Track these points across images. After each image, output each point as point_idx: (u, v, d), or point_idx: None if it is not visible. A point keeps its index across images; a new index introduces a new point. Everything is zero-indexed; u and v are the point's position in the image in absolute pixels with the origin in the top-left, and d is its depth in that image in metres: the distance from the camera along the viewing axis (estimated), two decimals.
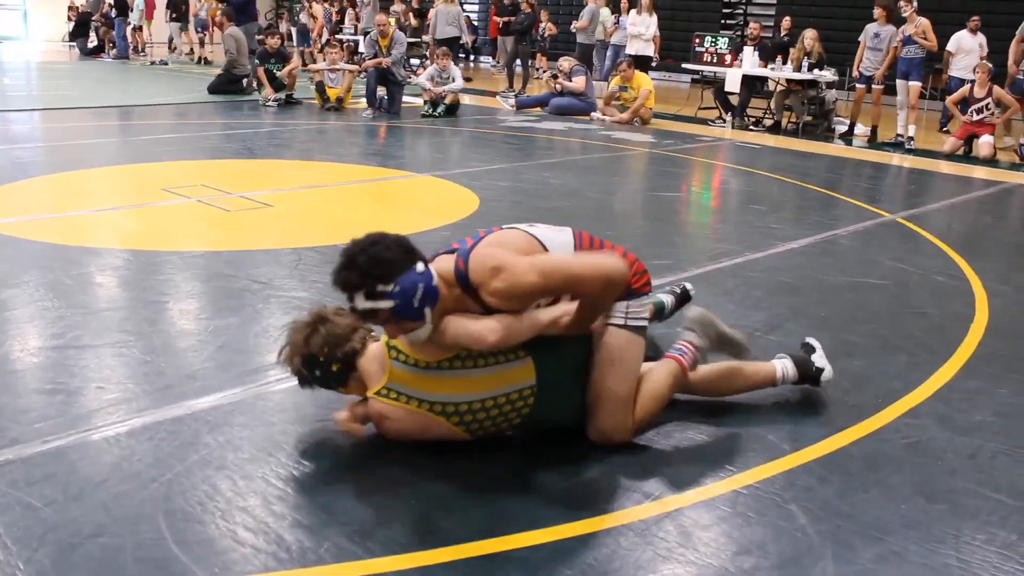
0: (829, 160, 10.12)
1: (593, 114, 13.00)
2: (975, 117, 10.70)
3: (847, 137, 11.91)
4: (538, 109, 13.66)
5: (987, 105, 10.60)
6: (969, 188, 8.77)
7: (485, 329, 2.66)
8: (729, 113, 12.80)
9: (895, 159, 10.44)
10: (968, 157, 10.66)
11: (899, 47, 11.12)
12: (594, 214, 6.81)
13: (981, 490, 2.79)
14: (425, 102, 12.36)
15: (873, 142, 11.52)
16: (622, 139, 11.01)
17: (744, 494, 2.72)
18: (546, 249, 2.84)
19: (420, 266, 2.67)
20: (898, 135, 11.27)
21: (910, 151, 10.89)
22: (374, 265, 2.60)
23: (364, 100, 12.47)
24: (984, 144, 10.51)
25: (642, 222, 6.80)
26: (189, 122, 11.40)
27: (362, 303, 2.62)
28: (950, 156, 10.62)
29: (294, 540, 2.39)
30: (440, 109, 12.20)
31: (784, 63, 12.11)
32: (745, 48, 12.69)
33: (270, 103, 12.50)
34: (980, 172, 9.66)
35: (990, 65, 10.91)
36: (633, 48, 13.84)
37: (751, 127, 12.57)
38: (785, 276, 5.11)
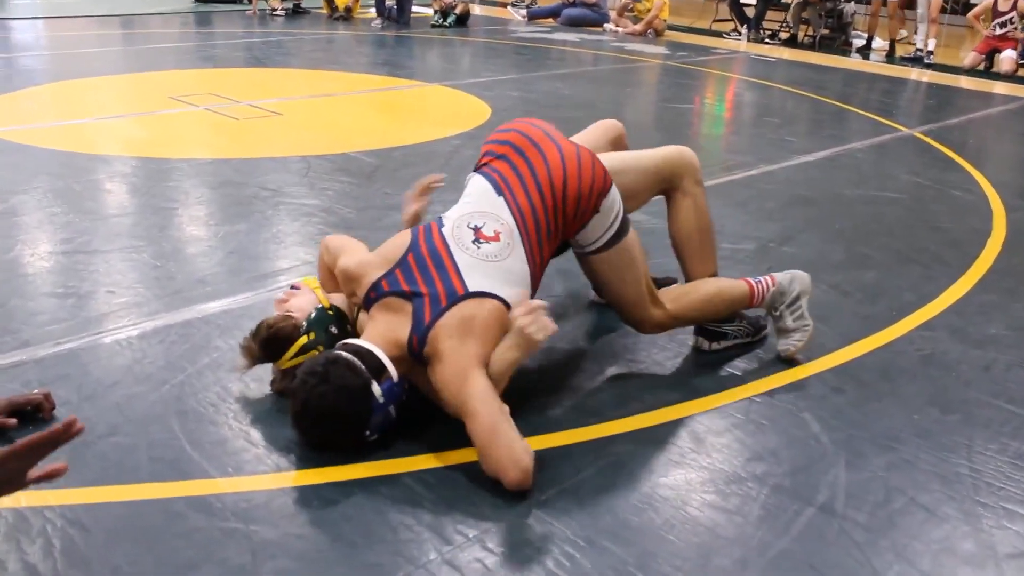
0: (846, 74, 9.93)
1: (606, 25, 12.77)
2: (998, 31, 10.44)
3: (865, 51, 11.68)
4: (550, 20, 13.40)
5: (1011, 19, 10.33)
6: (989, 103, 8.62)
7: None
8: (744, 25, 12.54)
9: (913, 74, 10.25)
10: (989, 73, 10.46)
11: None
12: None
13: (995, 401, 2.78)
14: (435, 12, 12.14)
15: (891, 56, 11.30)
16: (635, 51, 10.82)
17: (757, 402, 2.71)
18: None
19: (376, 391, 2.27)
20: (917, 50, 11.04)
21: (929, 66, 10.68)
22: (336, 437, 2.29)
23: (373, 10, 12.24)
24: (1006, 59, 10.28)
25: (655, 133, 6.70)
26: (195, 31, 11.22)
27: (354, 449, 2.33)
28: (970, 71, 10.42)
29: (306, 442, 2.39)
30: (450, 19, 11.99)
31: None
32: None
33: (277, 12, 12.27)
34: (1001, 88, 9.48)
35: None
36: None
37: (767, 40, 12.33)
38: (800, 188, 5.05)
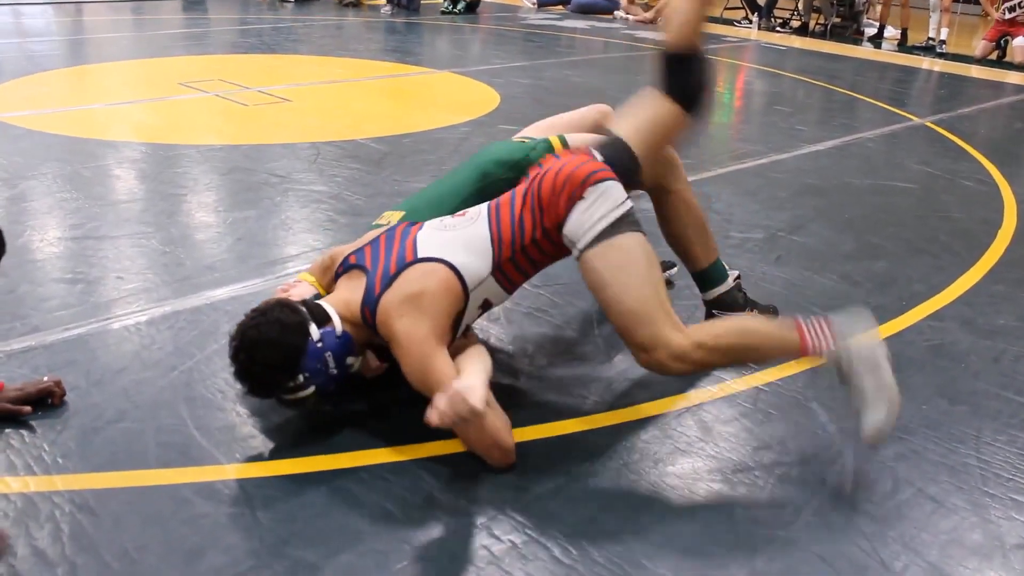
0: (857, 63, 9.88)
1: (616, 13, 12.72)
2: (1007, 15, 10.31)
3: (876, 40, 11.61)
4: (560, 7, 13.36)
5: (1020, 3, 10.22)
6: (1002, 93, 8.56)
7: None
8: (756, 14, 12.49)
9: (925, 63, 10.19)
10: (1002, 62, 10.39)
11: None
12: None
13: (1003, 393, 2.77)
14: None
15: (903, 45, 11.23)
16: (645, 39, 10.78)
17: (765, 391, 2.71)
18: (465, 286, 2.37)
19: (314, 332, 2.26)
20: (929, 38, 10.98)
21: (941, 55, 10.62)
22: (269, 372, 2.23)
23: None
24: (1018, 48, 10.20)
25: None
26: (204, 17, 11.21)
27: (286, 398, 2.29)
28: (982, 61, 10.35)
29: (313, 428, 2.40)
30: (460, 6, 11.96)
31: None
32: None
33: None
34: (1014, 77, 9.42)
35: None
36: None
37: (778, 28, 12.28)
38: (810, 177, 5.03)
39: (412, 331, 2.25)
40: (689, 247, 2.98)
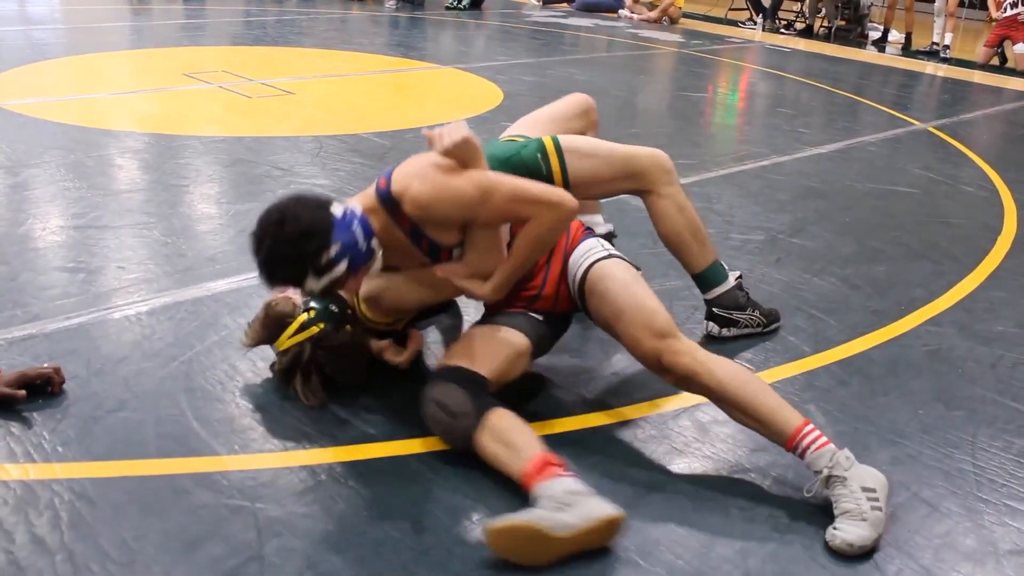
0: (861, 66, 9.89)
1: (621, 12, 12.73)
2: (1008, 12, 10.23)
3: (880, 44, 11.62)
4: (565, 5, 13.36)
5: (1021, 1, 10.14)
6: (1004, 99, 8.57)
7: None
8: (760, 15, 12.50)
9: (929, 68, 10.20)
10: (1004, 69, 10.39)
11: None
12: (618, 112, 6.70)
13: (1000, 399, 2.78)
14: None
15: (907, 50, 11.24)
16: (649, 38, 10.78)
17: None
18: None
19: (337, 209, 2.27)
20: (933, 43, 10.98)
21: (945, 60, 10.62)
22: (302, 243, 2.19)
23: None
24: (1020, 56, 10.18)
25: (667, 121, 6.70)
26: (208, 7, 11.20)
27: (316, 283, 2.25)
28: (985, 66, 10.35)
29: (312, 421, 2.41)
30: (465, 2, 11.96)
31: None
32: None
33: None
34: (1017, 83, 9.43)
35: None
36: None
37: (782, 30, 12.28)
38: (811, 180, 5.04)
39: (438, 176, 2.32)
40: (685, 249, 2.97)
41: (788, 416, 2.20)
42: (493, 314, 2.57)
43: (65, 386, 2.46)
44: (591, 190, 2.83)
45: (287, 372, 2.50)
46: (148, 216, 3.83)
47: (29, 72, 6.54)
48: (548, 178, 2.71)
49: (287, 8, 11.22)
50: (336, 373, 2.50)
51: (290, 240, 2.18)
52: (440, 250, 2.44)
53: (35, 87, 6.11)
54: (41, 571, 1.83)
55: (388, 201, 2.35)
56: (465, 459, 2.27)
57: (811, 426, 2.18)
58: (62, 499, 2.04)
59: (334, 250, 2.22)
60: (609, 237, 3.24)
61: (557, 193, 2.38)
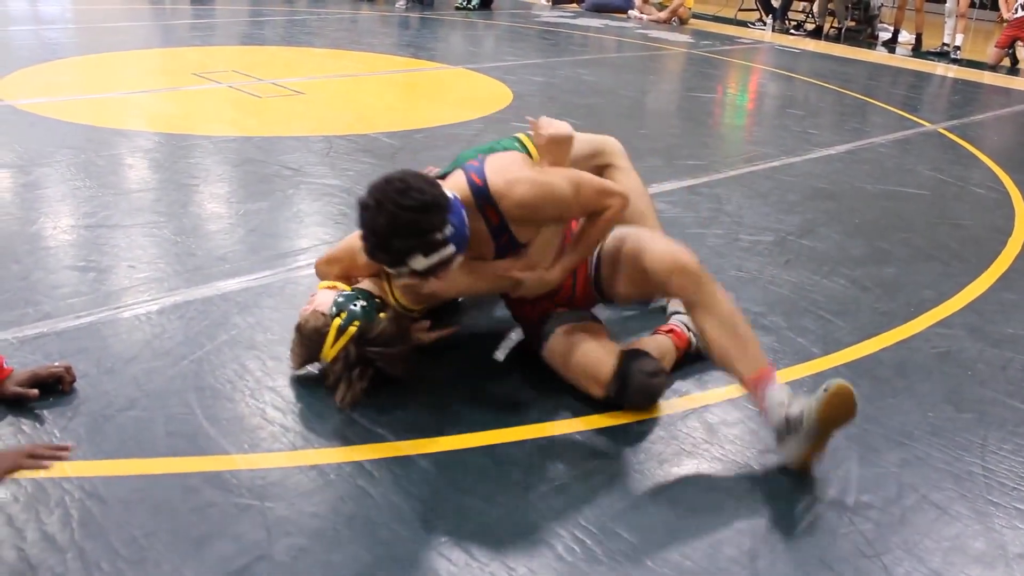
0: (871, 67, 9.86)
1: (630, 12, 12.72)
2: (1019, 13, 10.18)
3: (891, 45, 11.59)
4: (574, 6, 13.36)
5: None
6: (1015, 100, 8.54)
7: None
8: (770, 16, 12.48)
9: (939, 69, 10.17)
10: (1016, 70, 10.35)
11: None
12: (627, 112, 6.70)
13: (1010, 401, 2.77)
14: None
15: (918, 51, 11.20)
16: (659, 38, 10.78)
17: None
18: None
19: (448, 192, 2.31)
20: (944, 44, 10.95)
21: (956, 61, 10.58)
22: (425, 215, 2.19)
23: None
24: None
25: (676, 122, 6.69)
26: (219, 7, 11.23)
27: (422, 262, 2.23)
28: (995, 68, 10.31)
29: (321, 421, 2.41)
30: (475, 2, 11.97)
31: None
32: None
33: None
34: None
35: None
36: None
37: (792, 31, 12.26)
38: (821, 181, 5.03)
39: (533, 175, 2.45)
40: (640, 219, 3.03)
41: (760, 353, 2.39)
42: (543, 316, 2.70)
43: (76, 384, 2.47)
44: None
45: (341, 379, 2.48)
46: (158, 215, 3.84)
47: (40, 72, 6.56)
48: None
49: (297, 8, 11.24)
50: (387, 365, 2.51)
51: (413, 209, 2.17)
52: (516, 246, 2.51)
53: (46, 87, 6.13)
54: (52, 568, 1.83)
55: (482, 197, 2.40)
56: (474, 459, 2.27)
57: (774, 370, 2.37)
58: (73, 497, 2.05)
59: (448, 230, 2.22)
60: None
61: (620, 185, 2.65)
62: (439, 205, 2.22)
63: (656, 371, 2.55)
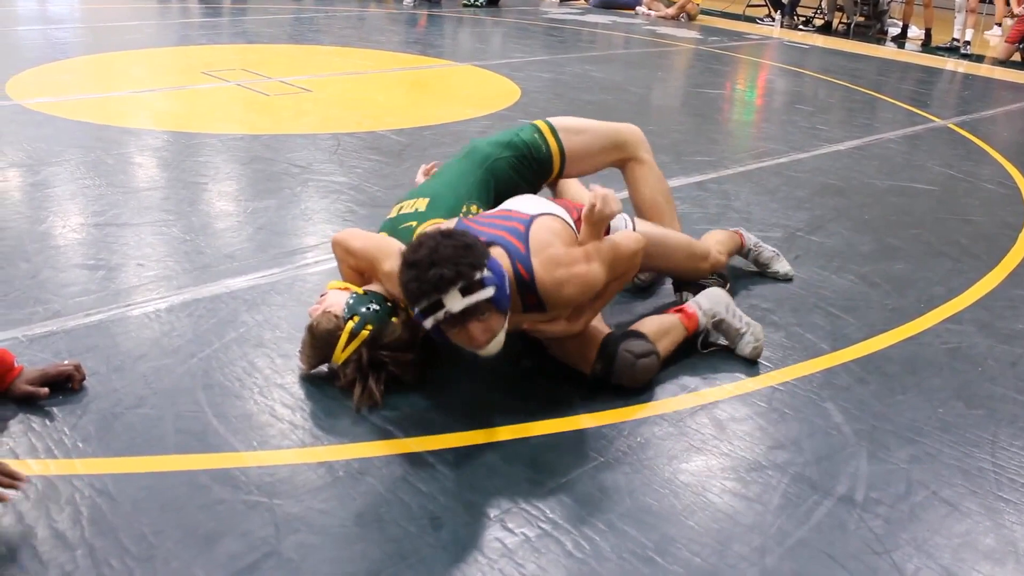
0: (880, 63, 9.83)
1: (638, 8, 12.69)
2: None
3: (900, 40, 11.54)
4: (582, 2, 13.34)
5: None
6: None
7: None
8: (779, 11, 12.44)
9: (949, 64, 10.12)
10: None
11: None
12: (635, 109, 6.69)
13: (1020, 397, 2.76)
14: None
15: (927, 46, 11.16)
16: (667, 35, 10.76)
17: (780, 390, 2.71)
18: (570, 225, 2.66)
19: (496, 261, 2.34)
20: (954, 39, 10.90)
21: (965, 56, 10.54)
22: (464, 251, 2.22)
23: None
24: None
25: (684, 118, 6.68)
26: (228, 6, 11.25)
27: (458, 302, 2.19)
28: (1006, 63, 10.27)
29: (330, 418, 2.42)
30: None
31: None
32: None
33: None
34: None
35: None
36: None
37: (800, 27, 12.22)
38: (830, 177, 5.01)
39: (571, 255, 2.48)
40: (660, 214, 3.20)
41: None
42: None
43: (85, 382, 2.47)
44: (583, 164, 3.19)
45: (354, 382, 2.48)
46: (167, 214, 3.85)
47: (49, 71, 6.58)
48: (548, 155, 3.10)
49: (305, 6, 11.25)
50: (400, 370, 2.51)
51: (453, 246, 2.23)
52: (543, 309, 2.52)
53: (55, 86, 6.15)
54: (62, 566, 1.84)
55: (526, 287, 2.43)
56: (481, 455, 2.27)
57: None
58: (82, 495, 2.05)
59: (487, 271, 2.24)
60: None
61: (639, 239, 2.65)
62: (476, 247, 2.26)
63: (644, 352, 2.60)
